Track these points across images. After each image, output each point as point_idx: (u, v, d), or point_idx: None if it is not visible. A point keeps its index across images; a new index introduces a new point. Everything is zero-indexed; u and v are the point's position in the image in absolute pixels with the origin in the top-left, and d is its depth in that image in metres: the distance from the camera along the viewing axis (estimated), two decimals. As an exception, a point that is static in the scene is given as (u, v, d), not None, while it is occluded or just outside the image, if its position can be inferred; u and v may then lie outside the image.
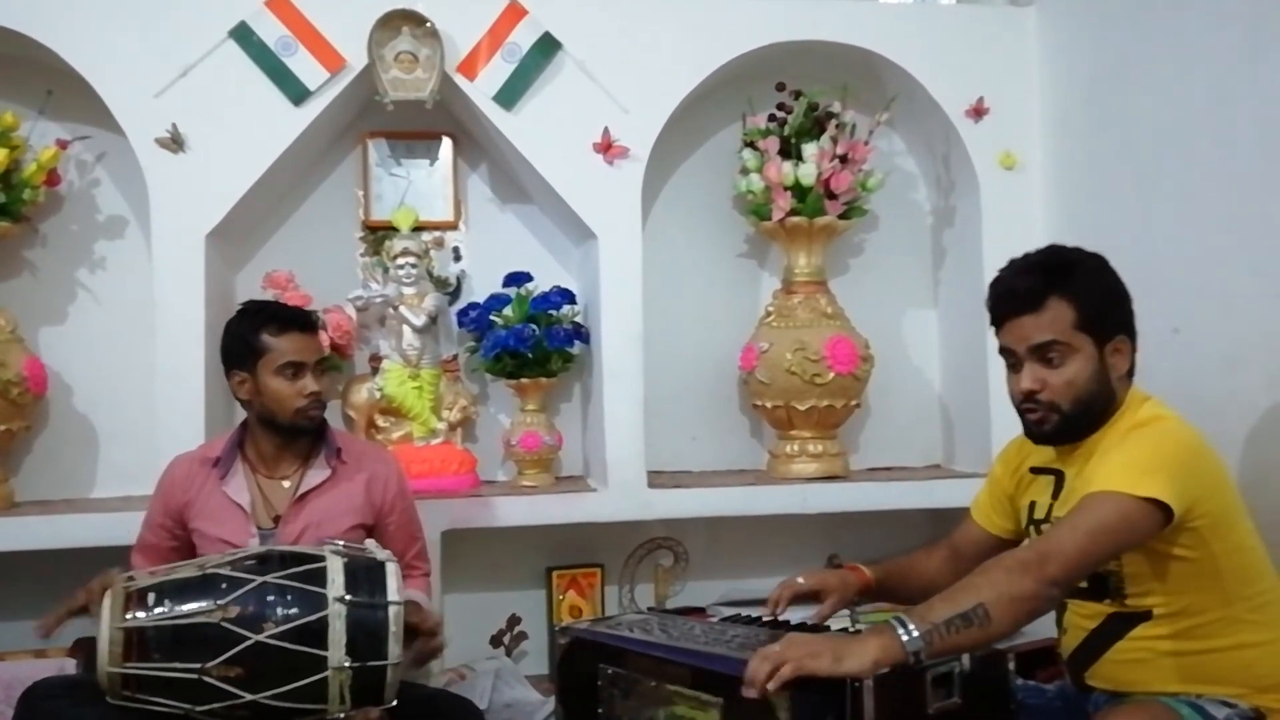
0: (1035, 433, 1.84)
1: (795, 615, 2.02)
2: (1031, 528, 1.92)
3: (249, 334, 2.19)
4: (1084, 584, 1.77)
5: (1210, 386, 2.35)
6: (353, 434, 2.87)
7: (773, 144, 2.92)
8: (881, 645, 1.55)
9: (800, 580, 1.98)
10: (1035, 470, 1.93)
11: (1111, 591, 1.78)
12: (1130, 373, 1.83)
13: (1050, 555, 1.61)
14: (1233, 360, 2.35)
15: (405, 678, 1.89)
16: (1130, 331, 1.82)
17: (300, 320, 2.24)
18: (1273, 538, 1.95)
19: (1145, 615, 1.76)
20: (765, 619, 2.02)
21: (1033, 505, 1.93)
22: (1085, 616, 1.84)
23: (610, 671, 1.86)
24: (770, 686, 1.52)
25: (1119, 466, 1.67)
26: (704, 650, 1.78)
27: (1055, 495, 1.87)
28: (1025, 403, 1.81)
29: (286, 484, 2.23)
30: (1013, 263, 1.85)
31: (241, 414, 2.32)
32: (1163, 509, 1.62)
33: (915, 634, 1.55)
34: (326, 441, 2.27)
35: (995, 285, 1.85)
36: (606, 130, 2.86)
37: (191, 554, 2.20)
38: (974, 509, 2.09)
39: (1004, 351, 1.85)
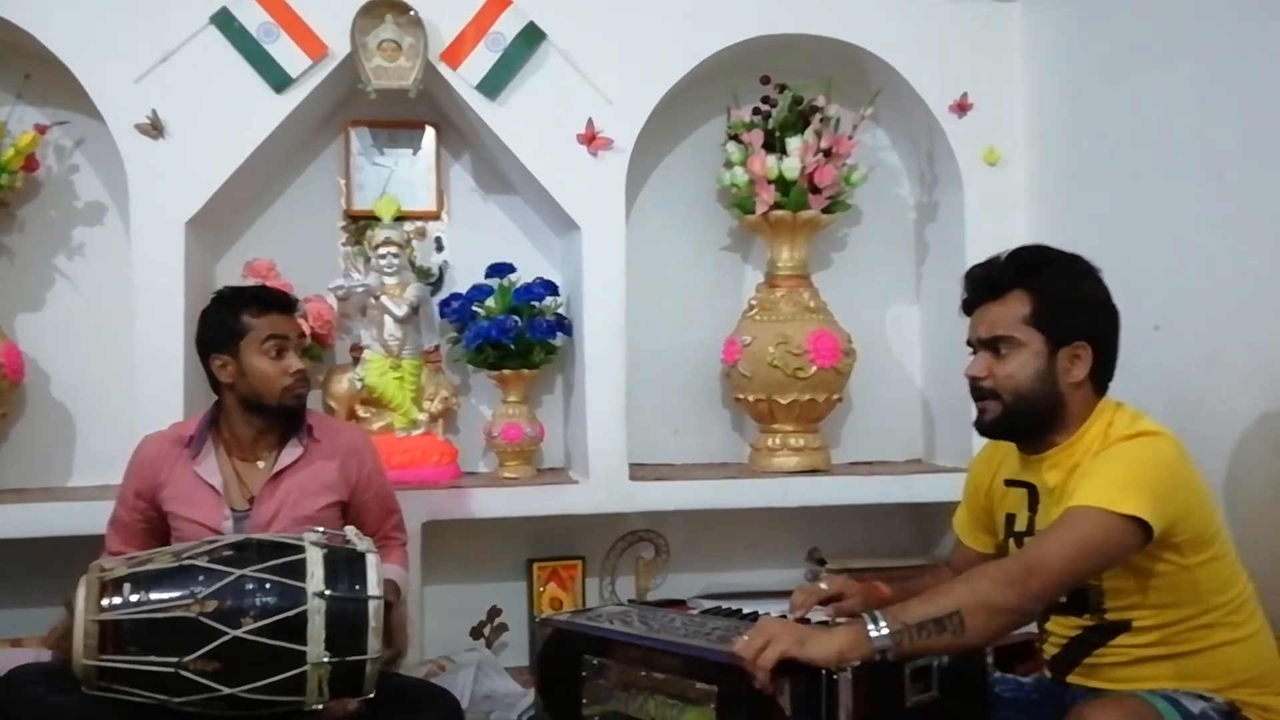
0: (979, 423, 1.87)
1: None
2: (1011, 540, 1.90)
3: (229, 317, 2.17)
4: (1063, 599, 1.75)
5: (1190, 384, 2.36)
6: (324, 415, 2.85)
7: (757, 137, 2.91)
8: (848, 638, 1.55)
9: (823, 585, 1.97)
10: (1008, 483, 1.92)
11: (1091, 606, 1.77)
12: (1099, 384, 1.81)
13: (1035, 570, 1.60)
14: (1213, 358, 2.36)
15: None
16: (1098, 341, 1.79)
17: (280, 301, 2.23)
18: (1250, 532, 1.96)
19: (1124, 626, 1.75)
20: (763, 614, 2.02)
21: (1011, 518, 1.91)
22: (1065, 628, 1.83)
23: (596, 662, 1.86)
24: (759, 674, 1.53)
25: (1102, 482, 1.66)
26: (684, 642, 1.77)
27: (1033, 509, 1.85)
28: (973, 391, 1.85)
29: (261, 465, 2.20)
30: (993, 256, 1.87)
31: (218, 399, 2.29)
32: (1143, 527, 1.62)
33: (885, 631, 1.55)
34: (299, 422, 2.24)
35: (968, 274, 1.88)
36: (590, 121, 2.85)
37: (164, 531, 2.18)
38: (959, 530, 2.07)
39: (968, 342, 1.87)
